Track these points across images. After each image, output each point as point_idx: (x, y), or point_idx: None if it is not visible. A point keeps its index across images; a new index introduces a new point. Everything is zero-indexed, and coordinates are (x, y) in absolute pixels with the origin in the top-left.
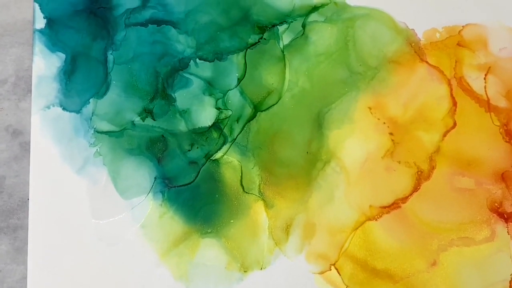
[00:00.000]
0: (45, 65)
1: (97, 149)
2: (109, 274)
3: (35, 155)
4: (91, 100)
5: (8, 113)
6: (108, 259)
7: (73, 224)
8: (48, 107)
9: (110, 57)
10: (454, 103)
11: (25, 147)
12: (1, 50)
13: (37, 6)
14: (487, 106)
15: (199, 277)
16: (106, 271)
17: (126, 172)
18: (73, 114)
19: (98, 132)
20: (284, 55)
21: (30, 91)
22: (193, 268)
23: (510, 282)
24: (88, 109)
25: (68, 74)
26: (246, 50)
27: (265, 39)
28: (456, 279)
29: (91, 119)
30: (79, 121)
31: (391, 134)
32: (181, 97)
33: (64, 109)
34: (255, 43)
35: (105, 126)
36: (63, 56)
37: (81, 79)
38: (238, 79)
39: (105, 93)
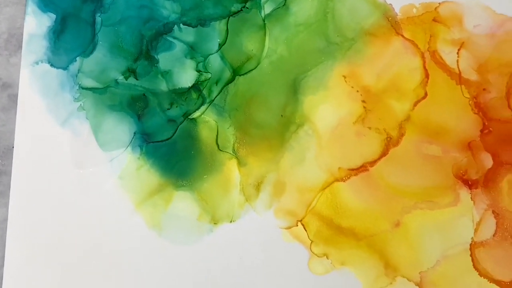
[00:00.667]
0: (36, 24)
1: (81, 104)
2: (86, 220)
3: (22, 107)
4: (78, 58)
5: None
6: (86, 207)
7: (54, 172)
8: (37, 63)
9: (98, 19)
10: (427, 75)
11: (13, 99)
12: None
13: None
14: (459, 79)
15: (171, 226)
16: (83, 218)
17: (107, 126)
18: (60, 70)
19: (82, 88)
20: (265, 24)
21: (21, 47)
22: (166, 218)
23: (470, 245)
24: (74, 66)
25: (57, 33)
26: (229, 17)
27: (247, 8)
28: (418, 240)
29: (77, 76)
30: (65, 77)
31: (363, 101)
32: (163, 59)
33: (52, 65)
34: (238, 12)
35: (89, 83)
36: (53, 16)
37: (69, 39)
38: (220, 44)
39: (91, 52)
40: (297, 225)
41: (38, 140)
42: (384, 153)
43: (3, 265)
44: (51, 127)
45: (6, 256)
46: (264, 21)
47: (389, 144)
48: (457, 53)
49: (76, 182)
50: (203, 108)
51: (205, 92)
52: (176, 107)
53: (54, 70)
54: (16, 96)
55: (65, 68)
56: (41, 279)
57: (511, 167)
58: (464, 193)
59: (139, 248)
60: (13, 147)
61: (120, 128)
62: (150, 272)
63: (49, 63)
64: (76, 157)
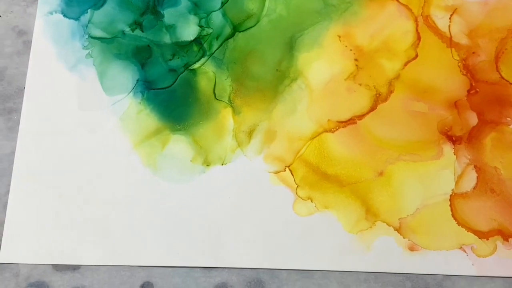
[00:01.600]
0: None
1: (89, 52)
2: (88, 156)
3: (35, 52)
4: (89, 10)
5: (16, 16)
6: (88, 144)
7: (61, 112)
8: (51, 13)
9: None
10: (418, 38)
11: (28, 45)
12: None
13: None
14: (449, 42)
15: (166, 166)
16: (85, 154)
17: (112, 73)
18: (72, 20)
19: (91, 37)
20: None
21: None
22: (161, 158)
23: (450, 196)
24: (85, 17)
25: None
26: None
27: None
28: (399, 189)
29: (87, 26)
30: (76, 27)
31: (356, 60)
32: (168, 14)
33: (64, 16)
34: None
35: (98, 33)
36: None
37: None
38: (222, 2)
39: (102, 5)
40: (284, 170)
41: (47, 83)
42: (372, 108)
43: (8, 192)
44: (60, 71)
45: (12, 185)
46: None
47: (378, 100)
48: (450, 18)
49: (80, 122)
50: (203, 60)
51: (205, 45)
52: (178, 58)
53: (66, 20)
54: (30, 42)
55: (76, 18)
56: (43, 208)
57: (495, 126)
58: (448, 148)
59: (134, 184)
60: (24, 88)
61: (124, 75)
62: (142, 207)
63: (62, 13)
64: (81, 99)
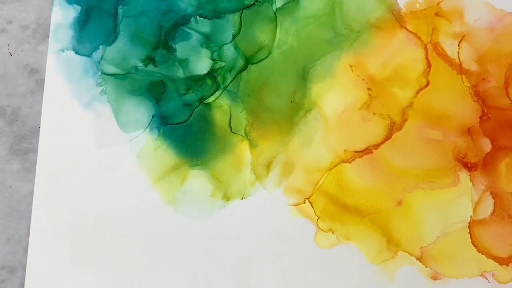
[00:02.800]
0: (62, 15)
1: (103, 89)
2: (107, 195)
3: (48, 91)
4: (100, 46)
5: (27, 54)
6: (106, 182)
7: (77, 151)
8: (63, 51)
9: (120, 11)
10: (429, 65)
11: (40, 83)
12: (26, 1)
13: None
14: (459, 69)
15: (186, 202)
16: (104, 192)
17: (127, 109)
18: (84, 57)
19: (105, 74)
20: (276, 16)
21: (48, 36)
22: (181, 194)
23: (469, 223)
24: (97, 54)
25: (82, 23)
26: (242, 10)
27: (260, 1)
28: (419, 218)
29: (99, 62)
30: (89, 64)
31: (368, 89)
32: (181, 48)
33: (76, 53)
34: (251, 5)
35: (111, 69)
36: (78, 8)
37: (93, 28)
38: (233, 35)
39: (113, 41)
40: (304, 203)
41: (62, 121)
42: (387, 137)
43: (28, 235)
44: (75, 109)
45: (32, 226)
46: (275, 14)
47: (393, 128)
48: (458, 45)
49: (97, 160)
50: (217, 93)
51: (219, 79)
52: (192, 92)
53: (78, 57)
54: (43, 80)
55: (88, 55)
56: (63, 248)
57: (509, 151)
58: (464, 175)
59: (154, 221)
60: (39, 127)
61: (139, 111)
62: (164, 245)
63: (74, 50)
64: (97, 137)
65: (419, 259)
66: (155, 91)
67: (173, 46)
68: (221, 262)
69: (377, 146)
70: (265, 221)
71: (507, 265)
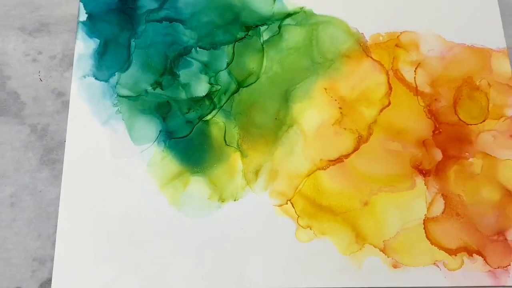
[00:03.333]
0: (84, 47)
1: (118, 109)
2: (122, 198)
3: (72, 110)
4: (116, 73)
5: (55, 80)
6: (122, 188)
7: (97, 161)
8: (84, 77)
9: (133, 43)
10: (390, 88)
11: (66, 104)
12: (54, 35)
13: (81, 4)
14: (415, 91)
15: (188, 204)
16: (119, 196)
17: (138, 125)
18: (102, 82)
19: (120, 96)
20: (263, 47)
21: (72, 65)
22: (183, 197)
23: (423, 220)
24: (113, 79)
25: (100, 54)
26: (235, 43)
27: (249, 35)
28: (382, 216)
29: (115, 86)
30: (106, 88)
31: (340, 108)
32: (183, 74)
33: (96, 78)
34: (242, 38)
35: (125, 92)
36: (98, 41)
37: (110, 58)
38: (227, 63)
39: (127, 69)
40: (287, 204)
41: (84, 136)
42: (356, 148)
43: (55, 232)
44: (95, 126)
45: (58, 225)
46: (262, 45)
47: (360, 141)
48: (415, 71)
49: (114, 169)
50: (214, 112)
51: (215, 100)
52: (193, 111)
53: (97, 82)
54: (67, 102)
55: (106, 80)
56: (85, 243)
57: (457, 160)
58: (419, 180)
59: (162, 220)
60: (65, 141)
61: (149, 127)
62: (170, 240)
63: (94, 76)
64: (114, 149)
65: (382, 250)
66: (162, 110)
67: (177, 72)
68: (217, 253)
69: (347, 155)
70: (254, 220)
71: (455, 255)
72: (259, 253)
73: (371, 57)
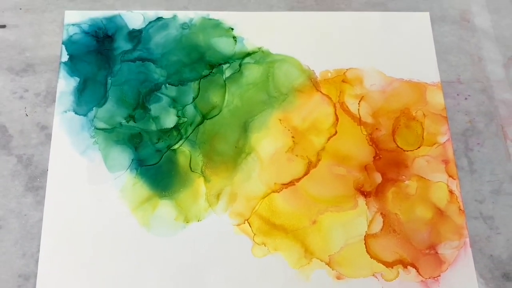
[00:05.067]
0: (65, 85)
1: (95, 140)
2: (97, 220)
3: (54, 142)
4: (94, 108)
5: (39, 115)
6: (97, 211)
7: (75, 187)
8: (66, 112)
9: (109, 81)
10: (337, 119)
11: (48, 136)
12: (39, 74)
13: (63, 46)
14: (359, 121)
15: (157, 224)
16: (95, 218)
17: (113, 155)
18: (81, 116)
19: (97, 128)
20: (225, 83)
21: (55, 101)
22: (153, 219)
23: (364, 236)
24: (91, 114)
25: (80, 91)
26: (200, 79)
27: (213, 73)
28: (328, 233)
29: (93, 120)
30: (85, 121)
31: (293, 137)
32: (154, 108)
33: (75, 113)
34: (207, 75)
35: (102, 125)
36: (78, 79)
37: (88, 94)
38: (193, 98)
39: (104, 104)
40: (244, 223)
41: (64, 165)
42: (306, 173)
43: (38, 251)
44: (74, 156)
45: (41, 245)
46: (225, 81)
47: (310, 166)
48: (358, 103)
49: (91, 194)
50: (181, 142)
51: (182, 131)
52: (162, 141)
53: (77, 116)
54: (50, 135)
55: (85, 115)
56: (65, 261)
57: (394, 182)
58: (361, 201)
59: (133, 240)
60: (47, 170)
61: (122, 156)
62: (141, 257)
63: (74, 111)
64: (90, 177)
65: (328, 264)
66: (134, 141)
67: (149, 106)
68: (182, 268)
69: (298, 179)
70: (215, 238)
71: (392, 268)
72: (220, 267)
73: (320, 91)
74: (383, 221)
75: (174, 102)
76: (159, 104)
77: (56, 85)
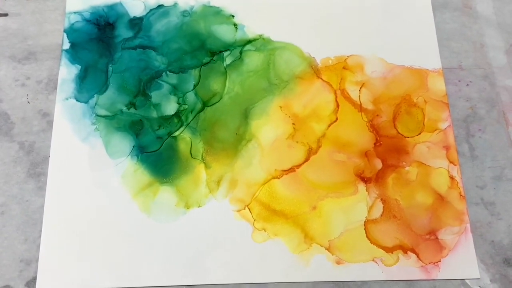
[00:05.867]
0: (67, 72)
1: (96, 127)
2: (99, 206)
3: (56, 129)
4: (95, 95)
5: (41, 102)
6: (99, 197)
7: (77, 174)
8: (67, 99)
9: (110, 69)
10: (337, 106)
11: (50, 124)
12: (40, 62)
13: (65, 34)
14: (360, 108)
15: (157, 210)
16: (97, 204)
17: (114, 142)
18: (82, 103)
19: (98, 116)
20: (226, 71)
21: (56, 88)
22: (153, 204)
23: (364, 222)
24: (92, 101)
25: (81, 78)
26: (201, 67)
27: (214, 60)
28: (328, 218)
29: (94, 107)
30: (86, 108)
31: (293, 124)
32: (155, 95)
33: (77, 100)
34: (207, 63)
35: (103, 112)
36: (79, 67)
37: (90, 82)
38: (194, 85)
39: (105, 91)
40: (244, 209)
41: (66, 152)
42: (306, 159)
43: (40, 236)
44: (76, 143)
45: (43, 230)
46: (225, 69)
47: (310, 153)
48: (359, 90)
49: (92, 180)
50: (181, 129)
51: (183, 118)
52: (163, 128)
53: (78, 103)
54: (52, 122)
55: (86, 102)
56: (66, 245)
57: (395, 168)
58: (361, 187)
59: (134, 225)
60: (49, 156)
61: (123, 143)
62: (141, 242)
63: (75, 98)
64: (92, 163)
65: (328, 249)
66: (135, 128)
67: (149, 94)
68: (183, 254)
69: (299, 166)
70: (215, 223)
71: (392, 253)
72: (220, 253)
73: (321, 79)
74: (383, 207)
75: (175, 90)
76: (160, 91)
77: (57, 73)
